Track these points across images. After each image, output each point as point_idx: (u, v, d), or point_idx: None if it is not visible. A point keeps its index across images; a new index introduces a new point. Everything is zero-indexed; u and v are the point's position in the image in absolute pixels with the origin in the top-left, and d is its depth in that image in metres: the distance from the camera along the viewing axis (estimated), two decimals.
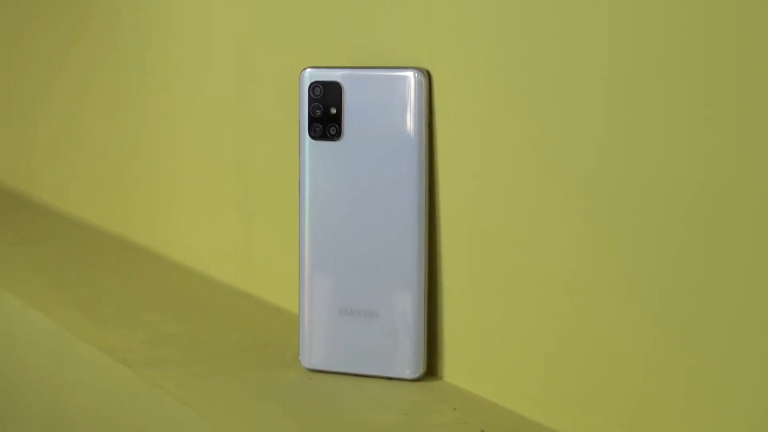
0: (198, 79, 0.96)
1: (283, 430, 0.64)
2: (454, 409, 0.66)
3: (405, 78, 0.68)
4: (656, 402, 0.56)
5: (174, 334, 0.81)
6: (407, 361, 0.69)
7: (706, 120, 0.53)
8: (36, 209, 1.28)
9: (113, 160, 1.13)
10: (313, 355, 0.72)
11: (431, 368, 0.70)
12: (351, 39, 0.75)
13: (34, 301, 0.90)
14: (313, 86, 0.70)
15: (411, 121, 0.68)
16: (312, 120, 0.70)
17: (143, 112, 1.06)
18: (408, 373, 0.69)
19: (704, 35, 0.53)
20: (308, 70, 0.70)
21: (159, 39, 1.02)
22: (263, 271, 0.88)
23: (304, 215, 0.71)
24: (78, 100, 1.20)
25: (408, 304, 0.69)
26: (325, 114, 0.70)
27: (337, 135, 0.70)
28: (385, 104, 0.68)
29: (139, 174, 1.08)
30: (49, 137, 1.29)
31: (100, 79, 1.14)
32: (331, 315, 0.71)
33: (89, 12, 1.16)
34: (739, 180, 0.52)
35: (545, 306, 0.62)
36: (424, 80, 0.67)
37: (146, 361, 0.75)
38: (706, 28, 0.53)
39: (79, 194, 1.22)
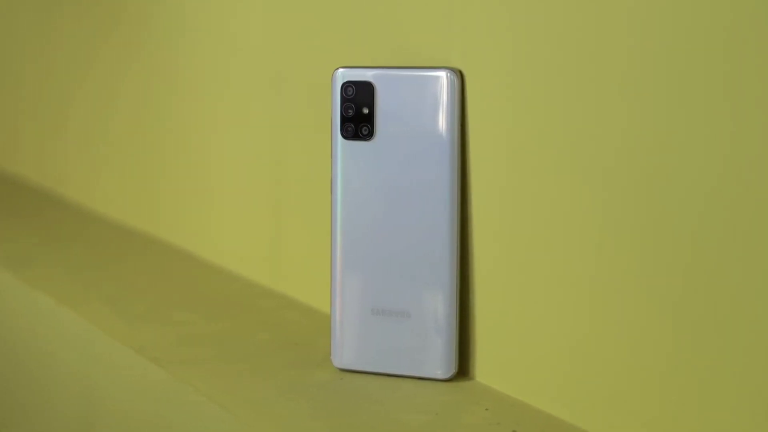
0: (229, 77, 0.96)
1: (314, 430, 0.64)
2: (486, 409, 0.66)
3: (437, 78, 0.68)
4: (684, 402, 0.56)
5: (205, 334, 0.82)
6: (439, 362, 0.69)
7: (727, 119, 0.53)
8: (65, 207, 1.29)
9: (143, 159, 1.13)
10: (345, 355, 0.72)
11: (463, 368, 0.70)
12: (384, 39, 0.75)
13: (66, 300, 0.90)
14: (346, 86, 0.70)
15: (443, 121, 0.68)
16: (344, 120, 0.70)
17: (174, 110, 1.06)
18: (439, 374, 0.69)
19: (725, 34, 0.53)
20: (341, 69, 0.70)
21: (190, 37, 1.02)
22: (294, 270, 0.88)
23: (336, 215, 0.71)
24: (107, 98, 1.21)
25: (440, 305, 0.69)
26: (358, 114, 0.70)
27: (369, 135, 0.70)
28: (417, 104, 0.68)
29: (169, 172, 1.08)
30: (78, 135, 1.30)
31: (130, 77, 1.15)
32: (363, 315, 0.71)
33: (120, 8, 1.16)
34: (759, 179, 0.52)
35: (576, 306, 0.62)
36: (456, 80, 0.67)
37: (178, 360, 0.75)
38: (728, 26, 0.53)
39: (108, 192, 1.23)
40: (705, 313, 0.55)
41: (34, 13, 1.40)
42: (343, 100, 0.70)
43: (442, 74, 0.67)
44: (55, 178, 1.37)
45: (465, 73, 0.68)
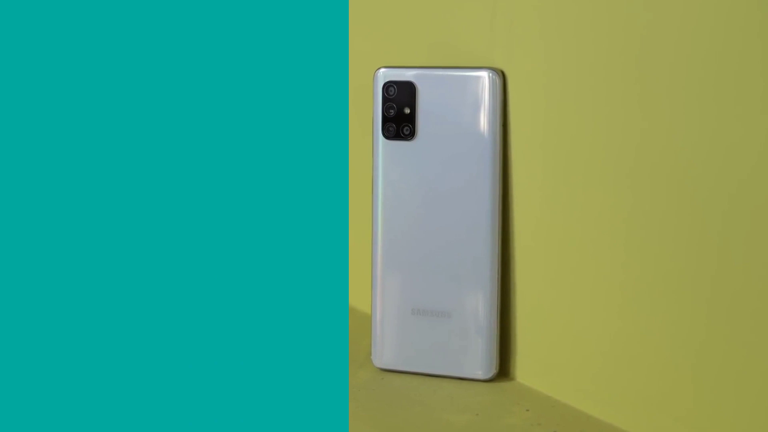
0: None
1: (354, 429, 0.64)
2: (527, 410, 0.65)
3: (479, 78, 0.68)
4: (724, 403, 0.56)
5: None
6: (479, 362, 0.69)
7: (759, 120, 0.53)
8: None
9: None
10: (385, 355, 0.72)
11: (503, 369, 0.70)
12: (426, 39, 0.75)
13: None
14: (387, 86, 0.70)
15: (485, 122, 0.68)
16: (385, 120, 0.70)
17: None
18: (480, 374, 0.69)
19: (759, 38, 0.52)
20: (382, 69, 0.70)
21: None
22: None
23: (377, 215, 0.71)
24: None
25: (480, 305, 0.69)
26: (399, 114, 0.70)
27: (410, 135, 0.70)
28: (458, 104, 0.68)
29: None
30: None
31: None
32: (404, 315, 0.71)
33: None
34: None
35: (617, 307, 0.62)
36: (498, 80, 0.67)
37: None
38: (760, 31, 0.52)
39: None
40: (737, 309, 0.55)
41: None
42: (385, 100, 0.70)
43: (484, 74, 0.67)
44: None
45: (507, 73, 0.68)
